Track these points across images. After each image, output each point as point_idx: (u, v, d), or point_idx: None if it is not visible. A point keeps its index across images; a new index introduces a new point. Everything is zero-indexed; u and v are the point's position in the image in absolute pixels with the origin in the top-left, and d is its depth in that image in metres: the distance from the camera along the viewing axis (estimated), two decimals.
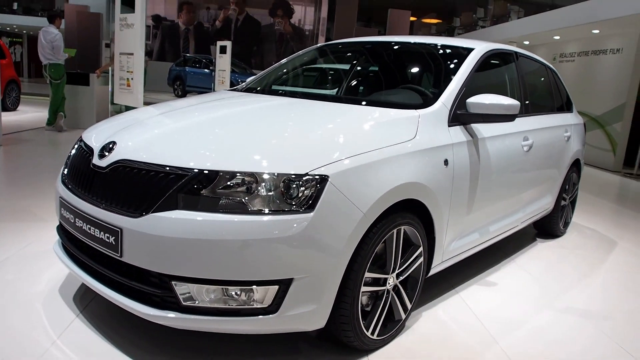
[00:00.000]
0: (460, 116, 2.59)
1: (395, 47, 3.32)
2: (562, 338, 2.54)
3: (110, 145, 2.06)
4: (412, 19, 22.54)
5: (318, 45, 3.72)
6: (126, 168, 1.93)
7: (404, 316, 2.36)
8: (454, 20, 18.53)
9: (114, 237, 1.88)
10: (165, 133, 2.13)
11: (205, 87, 16.70)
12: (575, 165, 4.40)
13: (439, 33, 19.71)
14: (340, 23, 20.13)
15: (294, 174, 1.82)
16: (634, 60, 8.87)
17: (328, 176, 1.85)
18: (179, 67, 18.21)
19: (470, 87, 2.75)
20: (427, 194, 2.29)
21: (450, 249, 2.65)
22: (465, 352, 2.30)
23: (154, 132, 2.16)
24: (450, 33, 18.69)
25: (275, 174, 1.81)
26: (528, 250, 3.96)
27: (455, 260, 2.80)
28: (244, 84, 3.54)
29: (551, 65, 4.31)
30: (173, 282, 1.80)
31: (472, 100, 2.55)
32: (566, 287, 3.23)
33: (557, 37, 10.87)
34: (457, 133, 2.57)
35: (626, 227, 5.05)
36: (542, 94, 4.00)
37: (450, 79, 2.70)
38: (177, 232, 1.75)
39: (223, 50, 9.12)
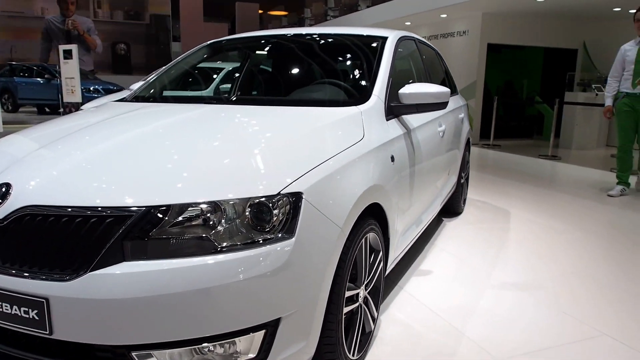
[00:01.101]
0: (394, 108, 2.47)
1: (303, 40, 3.09)
2: (510, 315, 2.59)
3: (2, 189, 1.57)
4: (260, 11, 22.51)
5: (211, 41, 3.34)
6: (36, 217, 1.48)
7: (373, 327, 2.20)
8: (304, 12, 18.79)
9: (36, 311, 1.42)
10: (78, 165, 1.66)
11: (44, 98, 14.77)
12: (467, 144, 4.63)
13: (290, 25, 19.87)
14: (186, 20, 19.32)
15: (263, 196, 1.53)
16: (479, 41, 9.74)
17: (302, 192, 1.59)
18: (5, 77, 15.78)
19: (393, 77, 2.65)
20: (384, 194, 2.15)
21: (398, 245, 2.56)
22: (439, 351, 2.22)
23: (60, 165, 1.67)
24: (302, 24, 18.95)
25: (240, 199, 1.50)
26: (441, 231, 4.06)
27: (400, 257, 2.72)
28: (129, 92, 3.06)
29: (438, 50, 4.45)
30: (133, 354, 1.41)
31: (405, 90, 2.45)
32: (490, 263, 3.35)
33: (408, 23, 11.53)
34: (394, 126, 2.46)
35: (508, 194, 5.48)
36: (439, 78, 4.10)
37: (376, 71, 2.57)
38: (129, 291, 1.38)
39: (68, 55, 8.10)
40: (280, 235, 1.52)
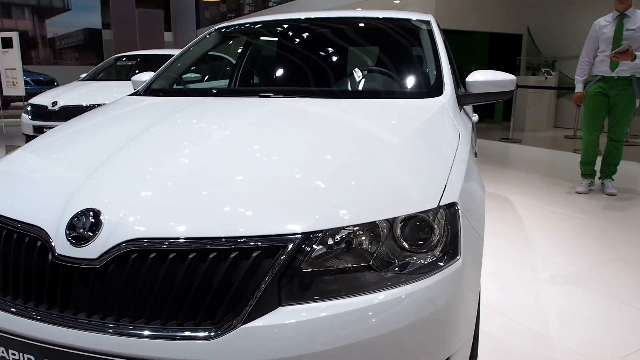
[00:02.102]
0: (462, 98, 2.27)
1: (341, 25, 2.82)
2: (585, 313, 2.51)
3: (89, 218, 1.21)
4: None
5: (223, 25, 2.96)
6: (147, 254, 1.14)
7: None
8: None
9: None
10: (185, 182, 1.32)
11: None
12: None
13: (230, 11, 19.12)
14: (116, 6, 18.01)
15: (423, 211, 1.26)
16: None
17: (456, 203, 1.35)
18: None
19: None
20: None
21: None
22: None
23: (159, 181, 1.33)
24: (241, 11, 18.28)
25: (398, 217, 1.23)
26: None
27: None
28: (141, 85, 2.66)
29: None
30: None
31: (474, 78, 2.26)
32: (523, 256, 3.28)
33: (359, 9, 11.38)
34: (465, 118, 2.26)
35: (496, 180, 5.51)
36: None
37: (437, 57, 2.36)
38: (298, 346, 1.09)
39: (7, 43, 7.19)
40: (444, 256, 1.26)
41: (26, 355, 1.19)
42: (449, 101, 2.08)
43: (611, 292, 2.70)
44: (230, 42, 3.14)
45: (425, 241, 1.25)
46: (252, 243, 1.13)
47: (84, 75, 7.63)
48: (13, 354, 1.20)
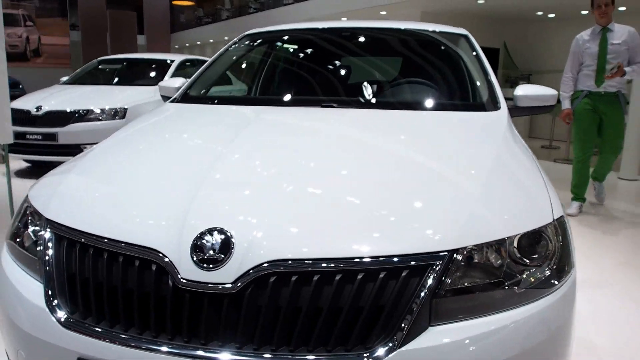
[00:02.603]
0: (511, 112, 2.34)
1: (384, 34, 2.82)
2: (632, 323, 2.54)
3: (218, 239, 1.16)
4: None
5: (255, 31, 2.96)
6: (289, 276, 1.11)
7: None
8: (223, 3, 17.99)
9: None
10: (306, 201, 1.29)
11: None
12: None
13: (207, 15, 18.95)
14: (86, 6, 17.55)
15: (542, 226, 1.30)
16: None
17: (564, 215, 1.40)
18: None
19: None
20: None
21: None
22: None
23: (277, 200, 1.28)
24: (218, 16, 18.15)
25: (523, 233, 1.26)
26: None
27: None
28: (175, 92, 2.62)
29: None
30: None
31: (522, 92, 2.30)
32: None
33: (344, 19, 11.52)
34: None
35: None
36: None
37: (484, 70, 2.42)
38: None
39: None
40: (563, 267, 1.30)
41: None
42: (507, 114, 2.15)
43: None
44: (263, 49, 3.14)
45: (543, 255, 1.28)
46: (400, 263, 1.11)
47: (65, 78, 7.41)
48: None
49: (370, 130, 1.87)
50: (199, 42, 23.35)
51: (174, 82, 2.72)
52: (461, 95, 2.44)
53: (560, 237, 1.32)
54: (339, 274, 1.10)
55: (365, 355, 1.08)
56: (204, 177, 1.37)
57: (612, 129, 4.47)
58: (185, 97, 2.48)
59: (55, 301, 1.22)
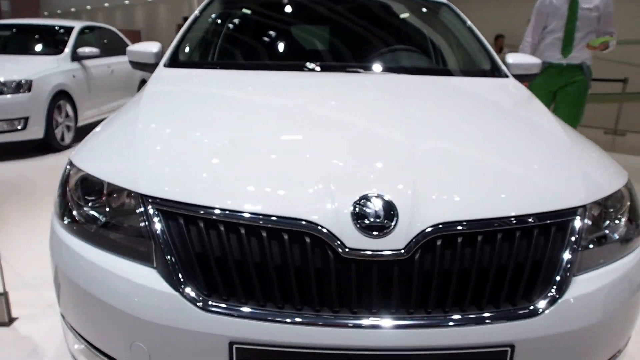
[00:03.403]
0: None
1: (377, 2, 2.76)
2: None
3: (379, 206, 1.10)
4: None
5: None
6: (455, 238, 1.11)
7: None
8: None
9: None
10: (442, 162, 1.29)
11: None
12: None
13: None
14: None
15: (623, 186, 1.41)
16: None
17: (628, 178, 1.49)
18: None
19: None
20: None
21: None
22: None
23: (415, 161, 1.26)
24: None
25: (610, 195, 1.34)
26: None
27: None
28: (151, 56, 2.37)
29: None
30: None
31: (514, 60, 2.33)
32: None
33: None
34: None
35: None
36: None
37: (478, 37, 2.47)
38: (602, 312, 1.19)
39: None
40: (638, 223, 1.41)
41: None
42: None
43: None
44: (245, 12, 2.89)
45: (626, 211, 1.38)
46: (551, 218, 1.17)
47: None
48: None
49: (428, 94, 1.87)
50: (73, 9, 21.22)
51: (149, 47, 2.44)
52: (472, 62, 2.44)
53: (631, 195, 1.44)
54: (499, 233, 1.12)
55: (530, 308, 1.11)
56: (329, 144, 1.32)
57: (572, 105, 3.89)
58: (183, 63, 2.27)
59: (187, 284, 1.09)
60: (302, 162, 1.25)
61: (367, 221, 1.08)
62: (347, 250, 1.06)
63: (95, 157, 1.39)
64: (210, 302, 1.07)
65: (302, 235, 1.08)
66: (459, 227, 1.10)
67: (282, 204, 1.11)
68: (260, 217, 1.09)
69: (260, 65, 2.26)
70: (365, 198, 1.10)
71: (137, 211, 1.17)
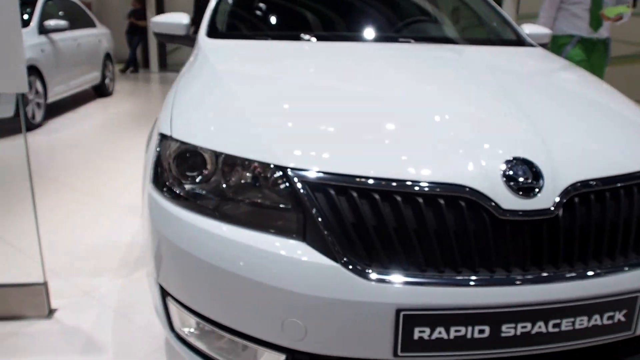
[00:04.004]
0: None
1: None
2: None
3: (524, 168, 1.15)
4: None
5: None
6: (587, 196, 1.17)
7: None
8: None
9: (625, 311, 1.17)
10: (556, 121, 1.37)
11: None
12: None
13: None
14: None
15: None
16: None
17: None
18: None
19: None
20: None
21: None
22: None
23: (547, 125, 1.31)
24: None
25: None
26: None
27: None
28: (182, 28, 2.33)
29: None
30: None
31: (530, 30, 2.44)
32: None
33: None
34: None
35: None
36: None
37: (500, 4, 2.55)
38: None
39: None
40: None
41: (478, 327, 1.09)
42: None
43: None
44: None
45: None
46: None
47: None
48: (457, 330, 1.08)
49: (491, 64, 1.94)
50: None
51: (178, 18, 2.38)
52: (502, 33, 2.50)
53: None
54: (634, 187, 1.21)
55: None
56: (453, 112, 1.35)
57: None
58: (227, 34, 2.29)
59: (346, 255, 1.08)
60: (439, 128, 1.28)
61: (518, 182, 1.12)
62: (502, 211, 1.09)
63: (203, 130, 1.33)
64: (373, 271, 1.07)
65: (458, 199, 1.10)
66: (595, 184, 1.16)
67: (437, 170, 1.13)
68: (418, 183, 1.10)
69: (314, 36, 2.21)
70: (515, 160, 1.15)
71: (281, 185, 1.14)
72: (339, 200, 1.10)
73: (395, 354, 1.08)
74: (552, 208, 1.12)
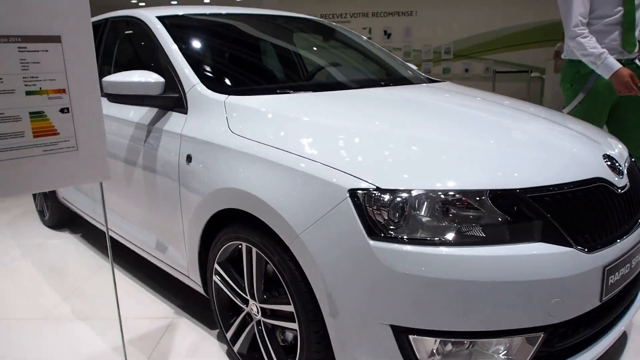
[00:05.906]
0: None
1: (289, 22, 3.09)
2: None
3: (606, 163, 1.70)
4: None
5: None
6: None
7: None
8: None
9: None
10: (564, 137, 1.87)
11: None
12: None
13: None
14: None
15: None
16: None
17: None
18: None
19: None
20: None
21: None
22: None
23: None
24: None
25: None
26: None
27: None
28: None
29: None
30: None
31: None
32: None
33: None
34: None
35: None
36: None
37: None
38: None
39: None
40: None
41: (628, 264, 1.63)
42: None
43: None
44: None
45: None
46: None
47: None
48: (626, 268, 1.62)
49: (475, 100, 2.31)
50: None
51: (145, 77, 2.06)
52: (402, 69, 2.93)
53: None
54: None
55: None
56: (519, 132, 1.82)
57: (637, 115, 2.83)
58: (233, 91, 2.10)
59: (575, 242, 1.46)
60: (538, 143, 1.73)
61: (617, 169, 1.68)
62: (619, 190, 1.64)
63: (395, 174, 1.46)
64: (591, 246, 1.49)
65: (596, 187, 1.58)
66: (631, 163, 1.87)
67: (582, 171, 1.59)
68: (584, 181, 1.56)
69: (312, 87, 2.40)
70: (605, 156, 1.70)
71: (508, 204, 1.41)
72: (554, 204, 1.47)
73: (600, 299, 1.51)
74: (628, 183, 1.70)
